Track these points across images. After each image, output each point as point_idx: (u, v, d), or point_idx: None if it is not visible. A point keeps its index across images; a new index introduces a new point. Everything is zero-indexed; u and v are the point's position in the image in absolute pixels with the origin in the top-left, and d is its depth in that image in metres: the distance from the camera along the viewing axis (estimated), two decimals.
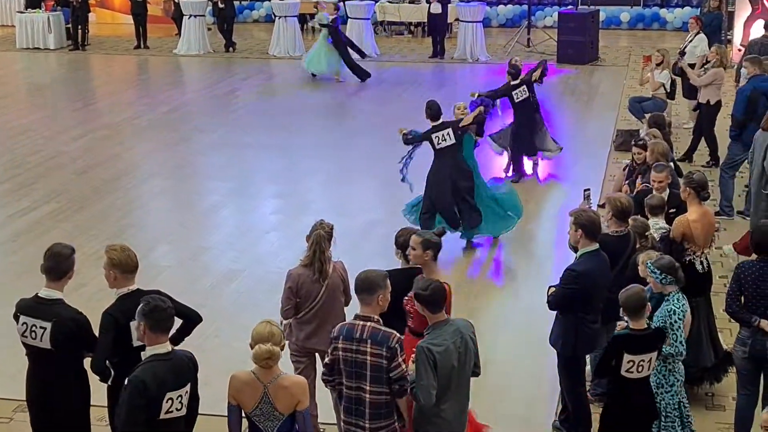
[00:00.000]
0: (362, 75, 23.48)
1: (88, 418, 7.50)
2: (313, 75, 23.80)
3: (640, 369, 7.37)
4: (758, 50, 18.06)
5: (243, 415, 6.68)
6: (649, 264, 7.89)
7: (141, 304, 6.45)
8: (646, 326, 7.44)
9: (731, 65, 22.49)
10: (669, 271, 7.83)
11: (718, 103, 15.89)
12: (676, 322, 7.70)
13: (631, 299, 7.37)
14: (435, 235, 7.92)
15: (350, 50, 23.63)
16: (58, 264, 7.15)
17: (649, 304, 7.53)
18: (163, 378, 6.36)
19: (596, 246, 8.11)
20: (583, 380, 8.57)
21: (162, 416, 6.39)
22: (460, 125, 12.70)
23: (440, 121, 12.61)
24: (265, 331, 6.49)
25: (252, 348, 6.48)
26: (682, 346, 7.72)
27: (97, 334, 7.16)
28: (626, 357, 7.34)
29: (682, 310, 7.77)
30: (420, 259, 7.81)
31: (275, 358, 6.49)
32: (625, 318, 7.50)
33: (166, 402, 6.37)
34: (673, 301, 7.79)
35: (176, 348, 6.72)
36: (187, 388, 6.52)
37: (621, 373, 7.38)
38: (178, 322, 7.65)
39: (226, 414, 6.68)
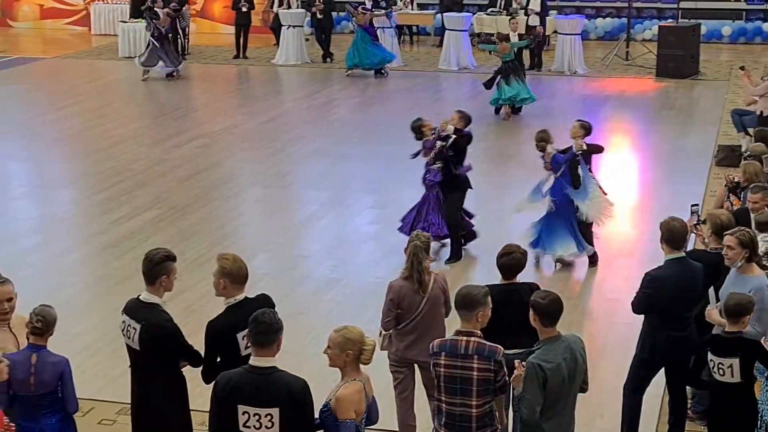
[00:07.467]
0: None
1: (187, 422, 7.58)
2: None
3: (721, 372, 7.33)
4: None
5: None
6: None
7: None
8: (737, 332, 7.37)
9: None
10: None
11: None
12: None
13: (732, 303, 7.38)
14: None
15: None
16: (150, 269, 7.24)
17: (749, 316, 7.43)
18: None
19: (682, 254, 8.14)
20: (637, 382, 8.58)
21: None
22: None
23: None
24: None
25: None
26: None
27: (186, 342, 7.29)
28: (710, 356, 7.41)
29: None
30: None
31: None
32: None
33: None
34: None
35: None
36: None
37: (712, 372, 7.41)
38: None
39: None
